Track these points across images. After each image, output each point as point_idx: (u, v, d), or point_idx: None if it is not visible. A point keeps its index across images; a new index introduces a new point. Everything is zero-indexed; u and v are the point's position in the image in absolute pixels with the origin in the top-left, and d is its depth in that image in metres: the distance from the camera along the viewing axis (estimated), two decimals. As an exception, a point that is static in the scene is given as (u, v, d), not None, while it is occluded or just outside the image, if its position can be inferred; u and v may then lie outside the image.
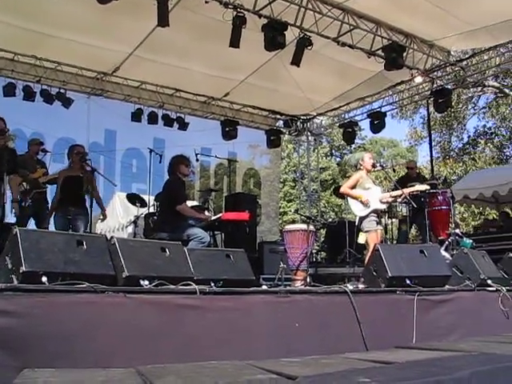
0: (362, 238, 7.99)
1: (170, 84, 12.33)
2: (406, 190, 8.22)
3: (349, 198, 8.19)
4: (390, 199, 8.19)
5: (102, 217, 9.00)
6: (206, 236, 7.26)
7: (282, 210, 27.18)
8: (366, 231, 7.86)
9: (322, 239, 14.19)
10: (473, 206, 18.69)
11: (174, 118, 12.91)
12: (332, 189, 23.49)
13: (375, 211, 7.95)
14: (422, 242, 10.04)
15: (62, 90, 11.31)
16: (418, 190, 8.51)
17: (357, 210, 8.05)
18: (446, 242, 9.08)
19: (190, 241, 7.04)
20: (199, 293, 4.18)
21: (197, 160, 10.36)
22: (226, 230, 8.97)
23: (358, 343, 4.68)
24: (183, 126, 12.95)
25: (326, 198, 30.30)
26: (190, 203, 9.18)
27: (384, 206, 8.21)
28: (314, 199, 16.28)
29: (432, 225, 9.68)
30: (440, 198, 9.82)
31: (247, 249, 5.70)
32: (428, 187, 8.75)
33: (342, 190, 8.34)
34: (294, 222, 24.20)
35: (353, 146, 32.98)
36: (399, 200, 8.36)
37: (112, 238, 4.39)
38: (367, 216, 7.89)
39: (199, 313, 4.05)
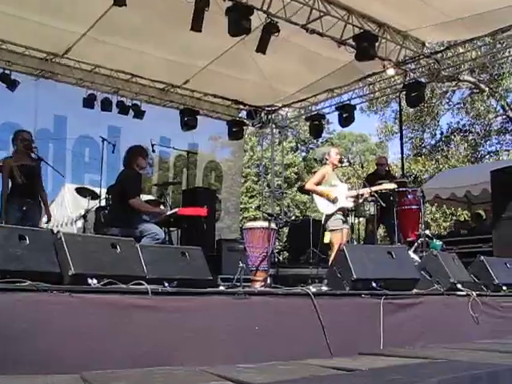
0: (327, 238, 8.06)
1: (126, 69, 12.20)
2: (374, 188, 8.31)
3: (314, 195, 8.26)
4: (357, 197, 8.26)
5: (45, 219, 8.70)
6: (160, 232, 7.23)
7: (243, 206, 27.19)
8: (331, 230, 7.93)
9: (285, 238, 14.24)
10: (444, 206, 18.95)
11: (130, 105, 12.79)
12: (297, 186, 23.67)
13: (342, 209, 8.03)
14: (390, 242, 10.15)
15: (6, 71, 11.08)
16: (385, 189, 8.60)
17: (323, 207, 8.12)
18: (415, 244, 9.20)
19: (143, 237, 7.01)
20: (151, 293, 4.14)
21: (153, 151, 10.27)
22: (182, 227, 8.93)
23: (322, 348, 4.69)
24: (139, 114, 12.84)
25: (290, 196, 30.43)
26: (145, 197, 9.12)
27: (351, 204, 8.29)
28: (278, 196, 16.33)
29: (401, 225, 9.79)
30: (410, 197, 9.94)
31: (204, 247, 5.68)
32: (396, 186, 8.86)
33: (307, 186, 8.41)
34: (255, 219, 24.22)
35: (319, 140, 33.25)
36: (361, 200, 8.42)
37: (58, 232, 4.32)
38: (333, 214, 7.97)
39: (151, 314, 4.02)
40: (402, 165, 15.22)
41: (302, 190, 12.55)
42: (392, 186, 8.74)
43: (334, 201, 8.02)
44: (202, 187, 14.07)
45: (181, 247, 5.66)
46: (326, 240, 8.08)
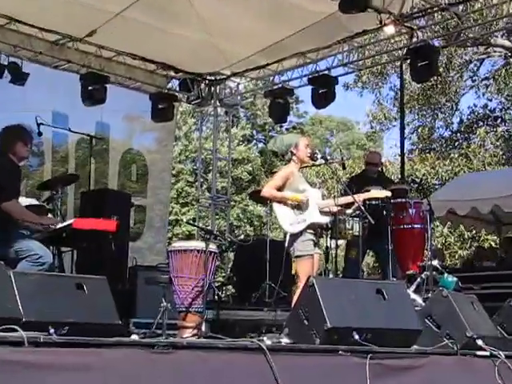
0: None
1: (1, 9, 12.04)
2: (359, 197, 8.35)
3: (274, 205, 8.26)
4: (335, 209, 8.29)
5: None
6: (45, 254, 7.18)
7: (172, 217, 27.11)
8: (298, 256, 7.94)
9: (230, 266, 14.24)
10: (461, 226, 19.15)
11: (5, 63, 12.63)
12: (249, 191, 23.66)
13: (312, 227, 8.04)
14: (382, 276, 10.22)
15: None
16: (375, 197, 8.66)
17: (286, 223, 8.13)
18: (418, 279, 9.27)
19: (19, 260, 6.95)
20: (29, 343, 4.10)
21: (40, 134, 10.18)
22: (80, 246, 8.88)
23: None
24: (19, 77, 12.66)
25: (240, 205, 30.43)
26: (24, 201, 9.03)
27: (326, 220, 8.31)
28: (222, 204, 16.31)
29: (398, 252, 9.86)
30: (411, 211, 10.00)
31: (112, 276, 5.68)
32: (389, 193, 8.91)
33: (264, 191, 8.41)
34: (188, 237, 24.14)
35: (284, 125, 33.33)
36: (349, 211, 8.47)
37: None
38: (301, 233, 7.98)
39: (29, 375, 3.98)
40: (402, 164, 15.38)
41: (256, 196, 12.55)
42: (384, 193, 8.80)
43: (304, 206, 8.04)
44: (112, 190, 13.95)
45: (76, 276, 5.64)
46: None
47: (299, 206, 8.10)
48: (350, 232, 9.75)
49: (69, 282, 5.24)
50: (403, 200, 10.06)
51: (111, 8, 11.86)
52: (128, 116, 15.48)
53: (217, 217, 16.31)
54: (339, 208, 8.32)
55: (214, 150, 16.35)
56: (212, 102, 15.43)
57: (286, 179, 8.24)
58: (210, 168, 18.12)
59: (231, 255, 15.30)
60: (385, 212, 9.53)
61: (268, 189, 8.35)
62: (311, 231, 8.04)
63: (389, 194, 8.92)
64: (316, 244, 8.14)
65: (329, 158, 9.05)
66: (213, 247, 8.26)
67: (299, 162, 8.41)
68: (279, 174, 8.46)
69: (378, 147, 33.85)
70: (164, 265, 10.04)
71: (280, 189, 8.22)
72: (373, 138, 35.89)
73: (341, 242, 10.70)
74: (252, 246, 12.50)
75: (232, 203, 19.72)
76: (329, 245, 9.49)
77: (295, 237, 8.04)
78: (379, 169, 11.69)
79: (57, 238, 7.82)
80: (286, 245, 8.16)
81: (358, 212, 8.54)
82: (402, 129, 16.13)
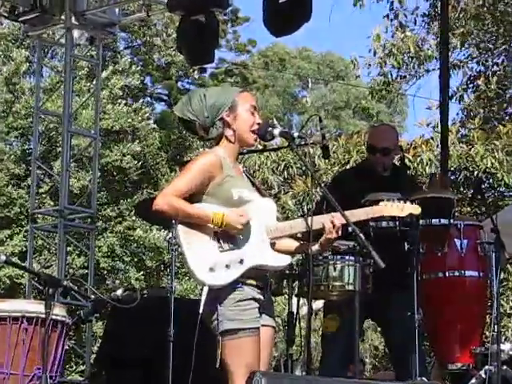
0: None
1: None
2: (354, 215, 8.24)
3: (181, 230, 8.13)
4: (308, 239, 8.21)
5: None
6: None
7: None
8: (227, 332, 7.84)
9: (96, 351, 14.28)
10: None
11: None
12: (136, 202, 23.89)
13: (257, 274, 7.94)
14: (398, 373, 10.20)
15: None
16: (388, 216, 8.59)
17: (202, 265, 7.99)
18: (473, 381, 9.25)
19: None
20: None
21: None
22: None
23: None
24: None
25: (119, 227, 30.42)
26: None
27: (286, 261, 8.22)
28: (82, 226, 16.33)
29: (432, 325, 9.84)
30: (460, 244, 9.96)
31: None
32: (417, 209, 8.75)
33: (161, 201, 8.26)
34: (10, 291, 24.30)
35: (208, 68, 33.63)
36: (316, 244, 8.35)
37: None
38: (234, 287, 7.87)
39: None
40: (444, 150, 15.43)
41: (148, 211, 12.50)
42: (408, 208, 8.65)
43: (237, 237, 7.94)
44: None
45: None
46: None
47: (230, 234, 7.97)
48: (337, 284, 9.73)
49: None
50: (445, 221, 9.99)
51: None
52: None
53: (70, 250, 16.28)
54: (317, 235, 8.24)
55: (65, 113, 16.25)
56: (62, 17, 15.35)
57: (208, 177, 8.12)
58: (59, 150, 18.13)
59: (98, 328, 15.34)
60: (407, 245, 9.45)
61: (169, 197, 8.20)
62: (254, 282, 7.94)
63: (416, 210, 8.73)
64: (265, 308, 8.05)
65: (297, 134, 8.86)
66: (60, 313, 8.22)
67: (236, 143, 8.30)
68: (194, 168, 8.32)
69: (397, 115, 34.06)
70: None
71: (194, 196, 8.10)
72: (385, 95, 35.68)
73: (318, 304, 10.68)
74: (139, 310, 12.41)
75: (101, 224, 19.80)
76: (294, 310, 9.45)
77: (221, 294, 7.93)
78: (396, 159, 11.56)
79: None
80: (202, 309, 8.03)
81: (352, 245, 8.47)
82: (445, 77, 16.15)
